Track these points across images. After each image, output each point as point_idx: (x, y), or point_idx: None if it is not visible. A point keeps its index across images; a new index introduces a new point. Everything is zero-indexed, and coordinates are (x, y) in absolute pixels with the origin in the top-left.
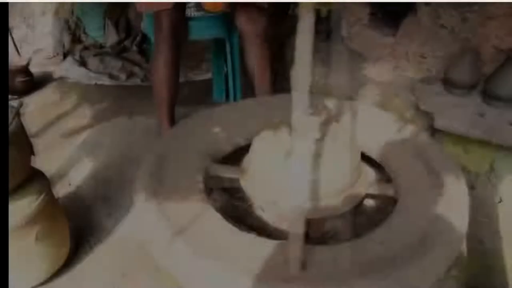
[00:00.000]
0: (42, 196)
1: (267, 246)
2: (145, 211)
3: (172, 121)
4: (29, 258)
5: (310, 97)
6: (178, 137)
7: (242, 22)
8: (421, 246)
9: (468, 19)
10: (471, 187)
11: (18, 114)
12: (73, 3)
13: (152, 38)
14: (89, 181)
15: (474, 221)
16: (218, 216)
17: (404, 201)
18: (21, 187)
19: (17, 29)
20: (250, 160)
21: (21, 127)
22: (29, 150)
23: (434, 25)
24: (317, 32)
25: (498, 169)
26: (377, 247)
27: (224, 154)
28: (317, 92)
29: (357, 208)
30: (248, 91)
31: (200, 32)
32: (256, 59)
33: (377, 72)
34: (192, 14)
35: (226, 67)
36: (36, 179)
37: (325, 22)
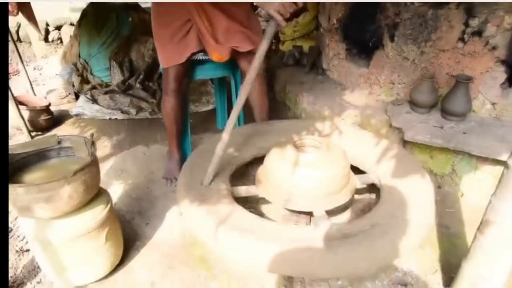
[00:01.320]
0: (108, 206)
1: (285, 228)
2: (191, 211)
3: (179, 147)
4: (100, 254)
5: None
6: (202, 158)
7: (244, 65)
8: (397, 226)
9: (425, 52)
10: (438, 186)
11: (93, 142)
12: (80, 48)
13: None
14: (124, 199)
15: (442, 211)
16: (245, 211)
17: (386, 195)
18: (94, 199)
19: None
20: (264, 171)
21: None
22: (99, 171)
23: (399, 58)
24: (301, 65)
25: (458, 170)
26: (363, 227)
27: (237, 168)
28: (307, 117)
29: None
30: (246, 118)
31: (209, 73)
32: (256, 94)
33: (355, 97)
34: (201, 57)
35: (230, 99)
36: (103, 193)
37: (308, 56)
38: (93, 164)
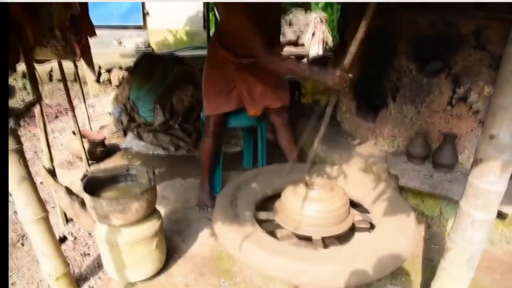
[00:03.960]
0: (160, 221)
1: (292, 248)
2: (222, 229)
3: (210, 181)
4: (151, 258)
5: (316, 166)
6: (232, 191)
7: (272, 116)
8: (382, 251)
9: (421, 112)
10: (428, 227)
11: (154, 173)
12: (130, 92)
13: None
14: (165, 221)
15: (429, 248)
16: (263, 233)
17: (378, 228)
18: (151, 214)
19: (80, 108)
20: (280, 203)
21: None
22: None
23: (399, 115)
24: (318, 117)
25: (445, 213)
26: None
27: (260, 200)
28: (320, 162)
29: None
30: (269, 160)
31: (239, 122)
32: (284, 139)
33: (362, 147)
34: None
35: (256, 143)
36: (156, 211)
37: (325, 109)
38: (153, 188)
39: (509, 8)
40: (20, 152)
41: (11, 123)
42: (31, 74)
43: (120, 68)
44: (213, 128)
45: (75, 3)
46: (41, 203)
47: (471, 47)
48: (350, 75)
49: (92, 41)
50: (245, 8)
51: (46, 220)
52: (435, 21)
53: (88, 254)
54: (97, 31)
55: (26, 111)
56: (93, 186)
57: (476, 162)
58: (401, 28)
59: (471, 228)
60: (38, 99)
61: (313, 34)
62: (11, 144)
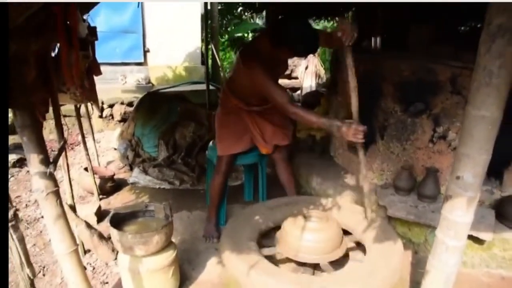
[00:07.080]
0: (175, 251)
1: (293, 274)
2: (230, 259)
3: (217, 214)
4: (167, 284)
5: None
6: (237, 223)
7: (277, 155)
8: (373, 274)
9: (406, 149)
10: (415, 252)
11: (170, 209)
12: (135, 129)
13: (214, 161)
14: None
15: (415, 272)
16: (267, 261)
17: (368, 254)
18: (168, 246)
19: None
20: (281, 233)
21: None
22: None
23: (387, 151)
24: (313, 151)
25: (429, 240)
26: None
27: (263, 231)
28: (316, 194)
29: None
30: (269, 194)
31: (242, 160)
32: (284, 174)
33: (354, 180)
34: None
35: (257, 177)
36: (172, 243)
37: (319, 144)
38: (171, 223)
39: None
40: (57, 193)
41: (51, 169)
42: (57, 121)
43: (122, 103)
44: (225, 167)
45: (89, 52)
46: (73, 237)
47: (448, 91)
48: (365, 127)
49: (96, 77)
50: (264, 67)
51: (76, 252)
52: (416, 68)
53: (107, 283)
54: (101, 68)
55: (59, 156)
56: (117, 220)
57: (447, 198)
58: (386, 73)
59: (446, 253)
60: (64, 143)
61: (306, 68)
62: (50, 187)
